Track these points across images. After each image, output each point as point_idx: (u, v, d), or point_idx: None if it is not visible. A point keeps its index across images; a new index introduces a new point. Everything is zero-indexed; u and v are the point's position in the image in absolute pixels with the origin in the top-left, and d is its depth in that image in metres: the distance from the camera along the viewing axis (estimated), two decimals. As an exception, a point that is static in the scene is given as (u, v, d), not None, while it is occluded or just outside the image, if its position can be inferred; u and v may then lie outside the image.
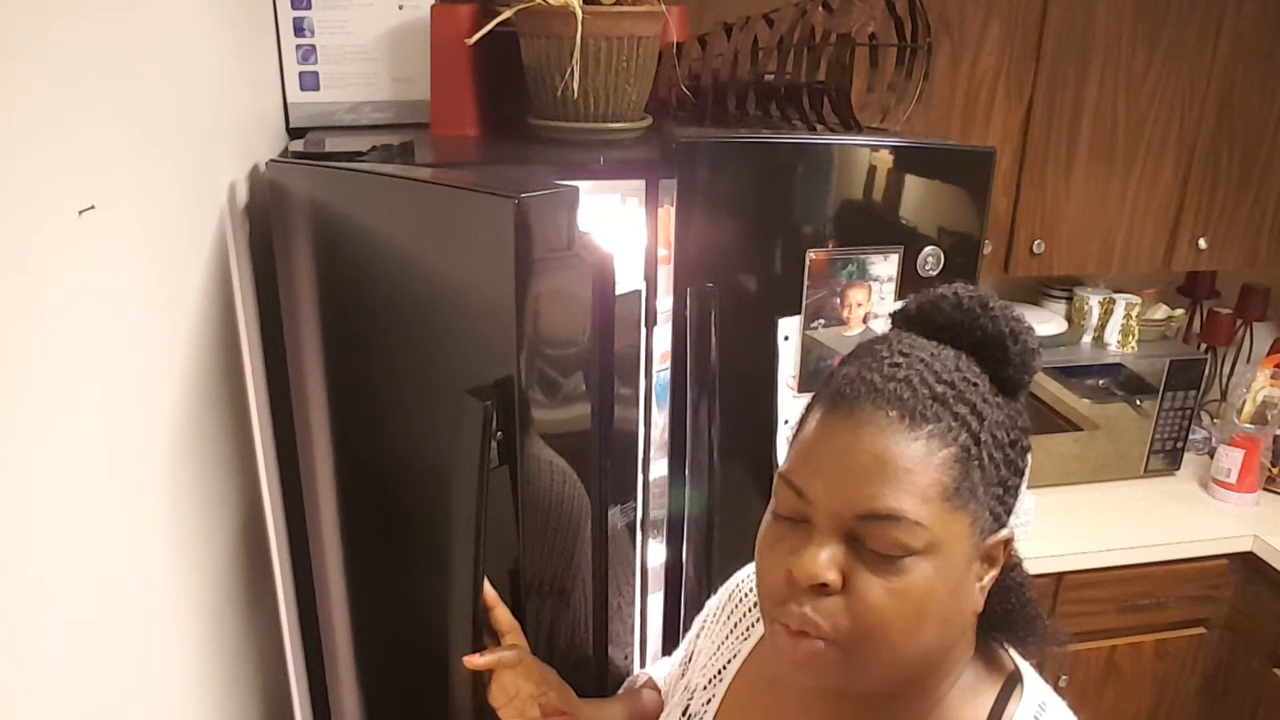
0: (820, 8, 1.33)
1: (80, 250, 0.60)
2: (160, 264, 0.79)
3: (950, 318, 0.67)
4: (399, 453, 1.06)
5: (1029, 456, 0.68)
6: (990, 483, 0.64)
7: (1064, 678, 2.08)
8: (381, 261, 0.97)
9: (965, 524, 0.63)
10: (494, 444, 0.84)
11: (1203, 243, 2.17)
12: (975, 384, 0.64)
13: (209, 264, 0.94)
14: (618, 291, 0.93)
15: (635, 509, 1.04)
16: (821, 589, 0.62)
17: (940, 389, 0.62)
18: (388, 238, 0.97)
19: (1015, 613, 0.72)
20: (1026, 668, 0.74)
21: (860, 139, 1.24)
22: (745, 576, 0.91)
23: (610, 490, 0.98)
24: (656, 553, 1.29)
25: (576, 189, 0.82)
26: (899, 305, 0.72)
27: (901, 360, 0.64)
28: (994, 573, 0.67)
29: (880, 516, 0.61)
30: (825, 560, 0.61)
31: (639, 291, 0.96)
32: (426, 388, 0.98)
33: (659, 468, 1.27)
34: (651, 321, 1.22)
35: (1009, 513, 0.67)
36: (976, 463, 0.62)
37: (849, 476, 0.62)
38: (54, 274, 0.56)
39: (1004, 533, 0.66)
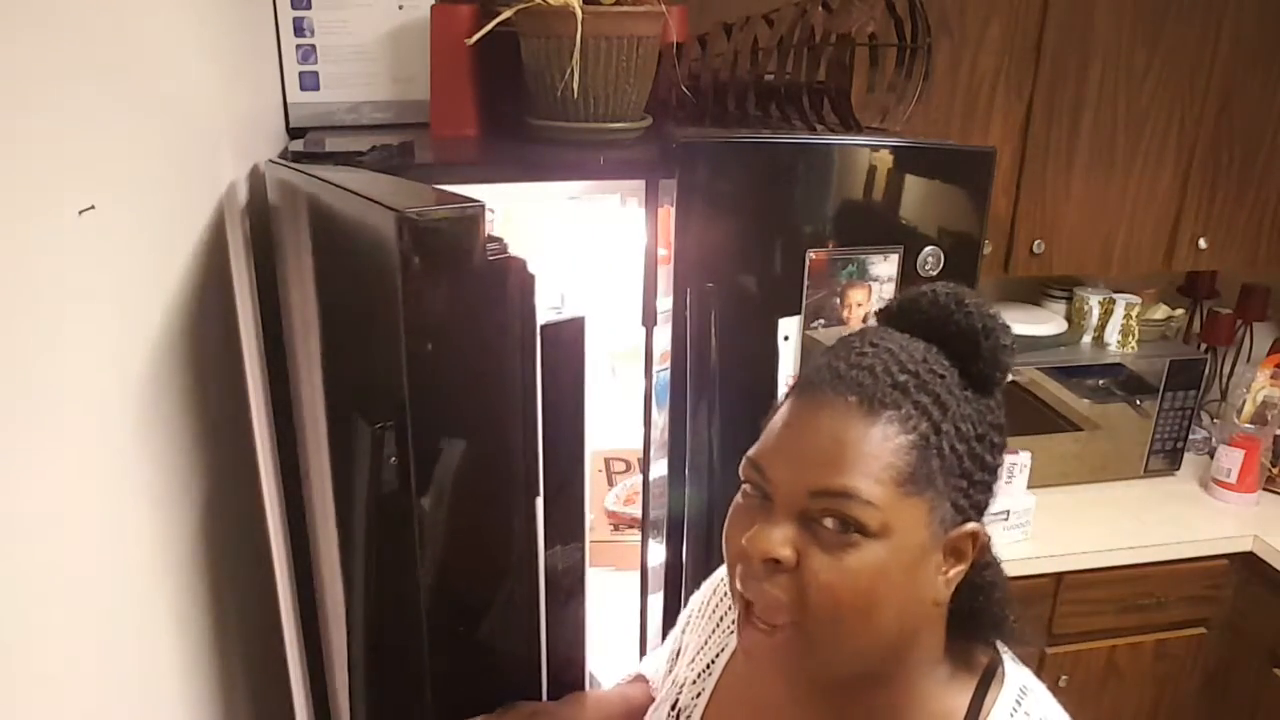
0: (820, 8, 1.33)
1: (80, 250, 0.60)
2: (160, 264, 0.79)
3: (926, 313, 0.69)
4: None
5: (1003, 455, 0.69)
6: (951, 473, 0.65)
7: (1064, 678, 2.08)
8: (336, 266, 0.95)
9: (922, 511, 0.64)
10: (390, 470, 0.81)
11: (1203, 243, 2.17)
12: (942, 376, 0.66)
13: (209, 263, 0.94)
14: (560, 317, 0.89)
15: (582, 550, 0.97)
16: (775, 565, 0.64)
17: (902, 378, 0.64)
18: (340, 242, 0.94)
19: (983, 612, 0.73)
20: (1008, 655, 0.74)
21: (860, 139, 1.24)
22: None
23: (550, 531, 0.94)
24: (656, 553, 1.29)
25: (481, 205, 0.78)
26: (883, 303, 0.74)
27: (869, 350, 0.67)
28: (961, 567, 0.68)
29: (832, 493, 0.63)
30: (779, 538, 0.64)
31: (582, 318, 0.90)
32: (362, 401, 0.95)
33: (659, 468, 1.27)
34: (651, 321, 1.22)
35: (978, 509, 0.68)
36: (935, 451, 0.64)
37: (805, 455, 0.64)
38: (54, 274, 0.56)
39: (970, 526, 0.67)
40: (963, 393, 0.66)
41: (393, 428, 0.80)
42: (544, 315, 0.88)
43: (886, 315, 0.73)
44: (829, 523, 0.63)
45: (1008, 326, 0.68)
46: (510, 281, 0.81)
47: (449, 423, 0.82)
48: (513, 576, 0.91)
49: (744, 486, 0.69)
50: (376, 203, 0.78)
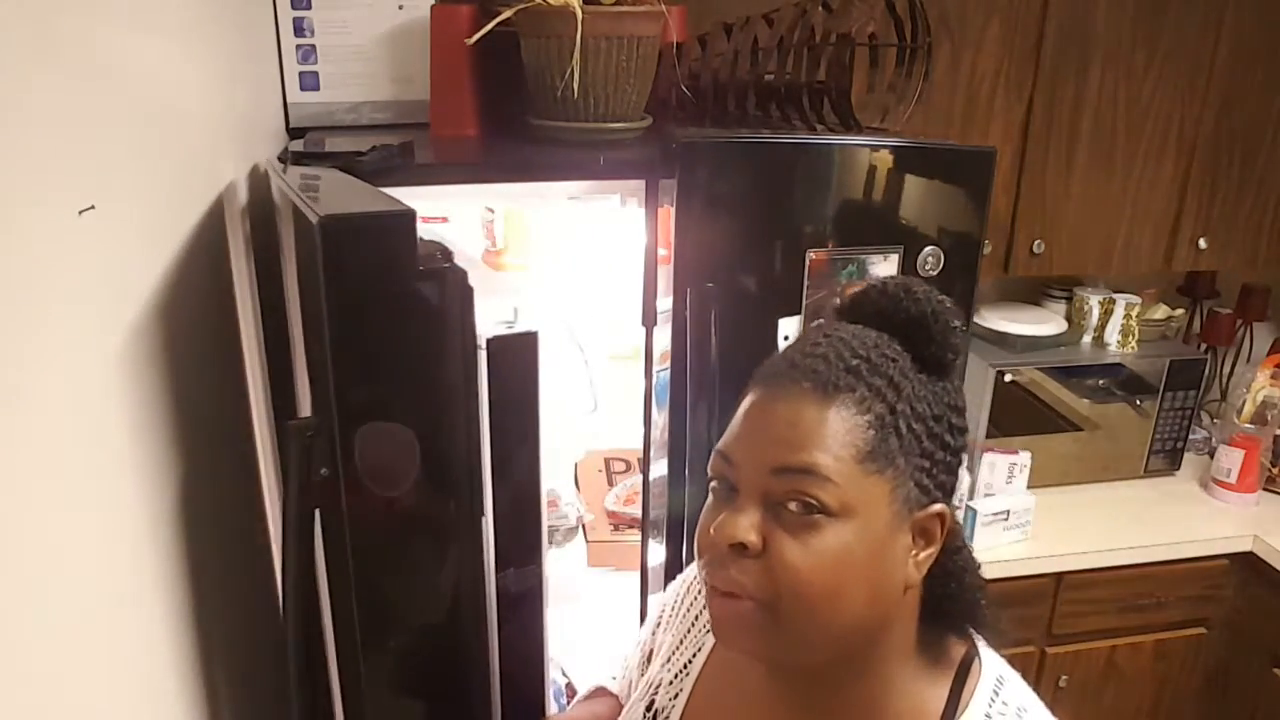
0: (820, 8, 1.33)
1: (80, 250, 0.60)
2: (160, 263, 0.79)
3: (877, 304, 0.71)
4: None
5: (965, 438, 0.71)
6: (911, 453, 0.66)
7: (1064, 678, 2.08)
8: (300, 269, 0.91)
9: (884, 490, 0.65)
10: (320, 480, 0.78)
11: (1203, 243, 2.17)
12: (894, 360, 0.68)
13: (209, 263, 0.94)
14: (508, 331, 0.86)
15: (539, 573, 0.95)
16: (742, 550, 0.65)
17: (855, 362, 0.66)
18: (298, 246, 0.91)
19: (955, 598, 0.73)
20: (983, 645, 0.75)
21: (860, 139, 1.24)
22: None
23: (501, 553, 0.91)
24: (656, 553, 1.29)
25: (412, 212, 0.74)
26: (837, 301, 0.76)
27: (822, 340, 0.69)
28: (931, 550, 0.69)
29: (793, 470, 0.64)
30: (745, 523, 0.65)
31: (535, 334, 0.87)
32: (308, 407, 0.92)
33: (659, 468, 1.27)
34: (651, 321, 1.22)
35: (944, 490, 0.69)
36: (893, 431, 0.65)
37: (765, 438, 0.66)
38: (54, 274, 0.56)
39: (937, 507, 0.68)
40: (917, 375, 0.68)
41: (320, 436, 0.78)
42: (493, 329, 0.85)
43: (839, 311, 0.74)
44: (793, 506, 0.64)
45: (957, 311, 0.70)
46: (447, 293, 0.77)
47: (379, 436, 0.79)
48: (457, 599, 0.87)
49: (711, 484, 0.71)
50: (309, 206, 0.76)
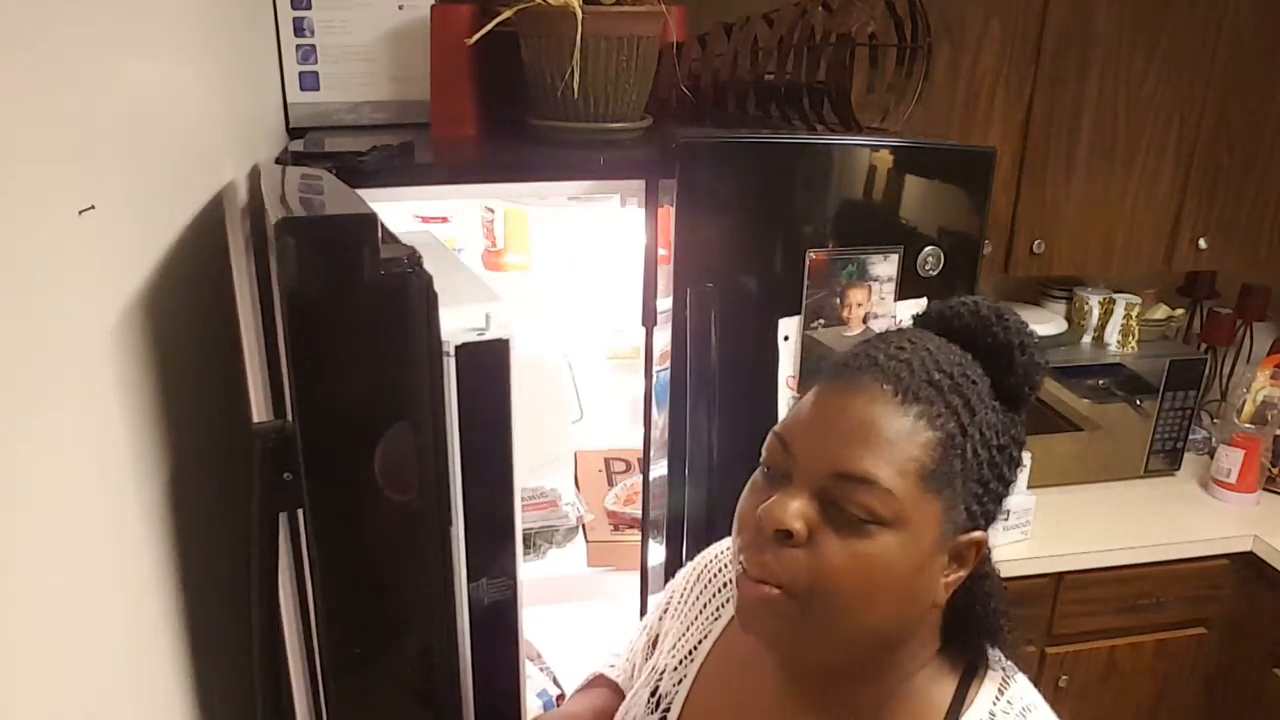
0: (820, 8, 1.33)
1: (80, 250, 0.60)
2: (160, 264, 0.79)
3: (966, 323, 0.70)
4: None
5: (1019, 472, 0.70)
6: (970, 477, 0.66)
7: (1064, 678, 2.08)
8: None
9: (937, 509, 0.65)
10: (283, 486, 0.77)
11: (1203, 243, 2.17)
12: (975, 382, 0.67)
13: (209, 264, 0.94)
14: (479, 338, 0.85)
15: (511, 585, 0.94)
16: (786, 538, 0.64)
17: (938, 376, 0.66)
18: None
19: (978, 621, 0.73)
20: (993, 653, 0.75)
21: (860, 139, 1.24)
22: (713, 557, 0.92)
23: (473, 564, 0.90)
24: (656, 553, 1.29)
25: (372, 215, 0.73)
26: (922, 309, 0.75)
27: (908, 345, 0.68)
28: (961, 573, 0.69)
29: (854, 478, 0.63)
30: (794, 510, 0.64)
31: (506, 340, 0.86)
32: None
33: (659, 468, 1.27)
34: (651, 321, 1.23)
35: (987, 518, 0.69)
36: (959, 453, 0.65)
37: (833, 436, 0.65)
38: (54, 273, 0.56)
39: (976, 534, 0.68)
40: (991, 402, 0.67)
41: (281, 439, 0.77)
42: (464, 335, 0.85)
43: (925, 320, 0.74)
44: (846, 507, 0.63)
45: (1042, 346, 0.70)
46: (410, 298, 0.76)
47: (339, 442, 0.77)
48: (425, 610, 0.86)
49: (762, 460, 0.70)
50: (273, 208, 0.76)
